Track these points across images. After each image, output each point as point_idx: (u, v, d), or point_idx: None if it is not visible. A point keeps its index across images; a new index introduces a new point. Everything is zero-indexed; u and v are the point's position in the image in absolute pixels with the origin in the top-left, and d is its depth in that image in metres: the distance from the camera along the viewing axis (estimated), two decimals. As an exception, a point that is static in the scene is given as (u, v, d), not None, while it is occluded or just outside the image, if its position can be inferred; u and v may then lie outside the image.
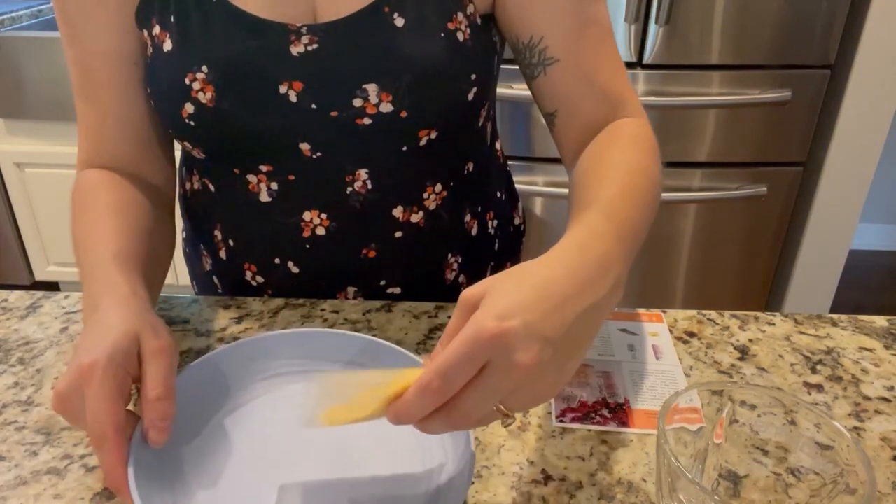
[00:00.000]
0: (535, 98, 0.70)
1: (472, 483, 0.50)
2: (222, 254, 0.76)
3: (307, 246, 0.71)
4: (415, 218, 0.72)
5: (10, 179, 2.05)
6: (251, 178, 0.69)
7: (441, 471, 0.50)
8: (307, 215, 0.70)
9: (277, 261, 0.73)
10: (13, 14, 2.01)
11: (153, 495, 0.45)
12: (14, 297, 0.75)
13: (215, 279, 0.80)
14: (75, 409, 0.47)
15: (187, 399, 0.52)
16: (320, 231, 0.71)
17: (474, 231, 0.79)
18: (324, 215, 0.70)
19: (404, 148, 0.67)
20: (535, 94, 0.70)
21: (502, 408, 0.40)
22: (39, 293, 0.75)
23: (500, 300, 0.39)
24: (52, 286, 2.27)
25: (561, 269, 0.42)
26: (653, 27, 1.62)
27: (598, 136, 0.64)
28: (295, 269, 0.73)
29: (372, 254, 0.73)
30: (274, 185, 0.69)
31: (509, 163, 0.87)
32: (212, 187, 0.73)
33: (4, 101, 1.93)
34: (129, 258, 0.59)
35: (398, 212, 0.71)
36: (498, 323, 0.38)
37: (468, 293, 0.41)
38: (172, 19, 0.63)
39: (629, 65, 1.67)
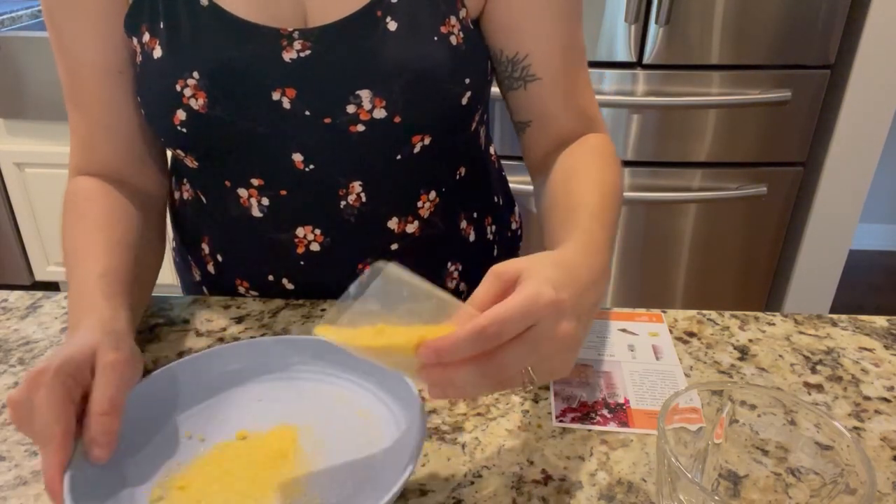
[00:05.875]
0: (508, 106, 0.73)
1: (472, 483, 0.50)
2: (210, 267, 0.76)
3: (301, 262, 0.71)
4: (410, 228, 0.72)
5: (10, 179, 2.05)
6: (242, 192, 0.68)
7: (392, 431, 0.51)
8: (300, 231, 0.69)
9: (271, 277, 0.73)
10: (13, 14, 2.01)
11: (87, 501, 0.44)
12: (14, 297, 0.75)
13: (205, 290, 0.79)
14: (25, 417, 0.46)
15: (137, 412, 0.51)
16: (314, 247, 0.70)
17: (472, 237, 0.78)
18: (317, 230, 0.69)
19: (398, 157, 0.67)
20: (509, 102, 0.72)
21: (530, 372, 0.43)
22: (39, 293, 0.75)
23: (549, 276, 0.43)
24: (52, 286, 2.27)
25: (583, 264, 0.48)
26: (653, 27, 1.62)
27: (571, 146, 0.68)
28: (290, 286, 0.73)
29: (367, 268, 0.72)
30: (265, 201, 0.68)
31: (505, 163, 0.87)
32: (203, 199, 0.72)
33: (4, 101, 1.93)
34: (116, 278, 0.59)
35: (393, 223, 0.71)
36: (555, 292, 0.42)
37: (502, 267, 0.44)
38: (162, 25, 0.62)
39: (629, 65, 1.67)
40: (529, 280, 0.42)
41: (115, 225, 0.64)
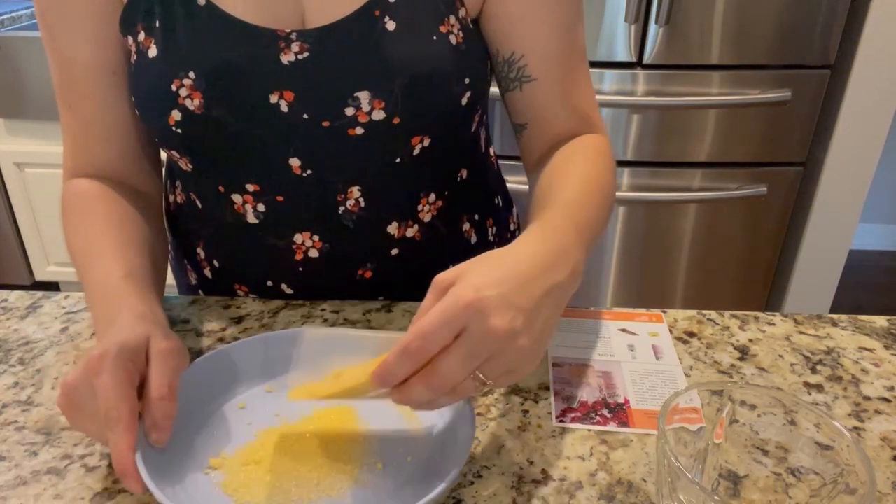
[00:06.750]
0: (506, 107, 0.73)
1: (472, 483, 0.50)
2: (207, 272, 0.76)
3: (300, 269, 0.70)
4: (410, 232, 0.71)
5: (10, 179, 2.05)
6: (236, 198, 0.68)
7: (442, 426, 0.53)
8: (298, 237, 0.69)
9: (270, 283, 0.72)
10: (13, 14, 2.01)
11: (160, 479, 0.45)
12: (14, 297, 0.75)
13: (202, 293, 0.79)
14: (81, 402, 0.47)
15: (195, 390, 0.53)
16: (313, 253, 0.69)
17: (473, 239, 0.78)
18: (315, 237, 0.69)
19: (397, 160, 0.66)
20: (507, 104, 0.72)
21: (480, 376, 0.43)
22: (39, 293, 0.75)
23: (476, 277, 0.43)
24: (52, 286, 2.27)
25: (527, 253, 0.47)
26: (653, 27, 1.62)
27: (566, 145, 0.67)
28: (289, 291, 0.73)
29: (368, 274, 0.71)
30: (261, 207, 0.68)
31: (503, 163, 0.87)
32: (198, 203, 0.72)
33: (4, 101, 1.93)
34: (142, 278, 0.60)
35: (393, 228, 0.70)
36: (475, 292, 0.42)
37: (441, 277, 0.45)
38: (158, 25, 0.62)
39: (629, 65, 1.67)
40: (456, 286, 0.43)
41: (125, 225, 0.65)
